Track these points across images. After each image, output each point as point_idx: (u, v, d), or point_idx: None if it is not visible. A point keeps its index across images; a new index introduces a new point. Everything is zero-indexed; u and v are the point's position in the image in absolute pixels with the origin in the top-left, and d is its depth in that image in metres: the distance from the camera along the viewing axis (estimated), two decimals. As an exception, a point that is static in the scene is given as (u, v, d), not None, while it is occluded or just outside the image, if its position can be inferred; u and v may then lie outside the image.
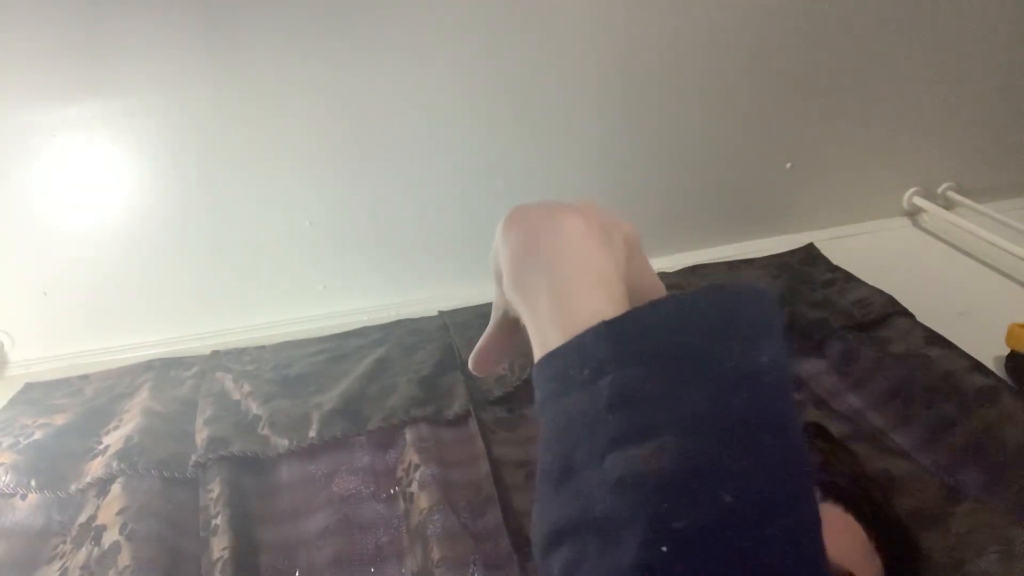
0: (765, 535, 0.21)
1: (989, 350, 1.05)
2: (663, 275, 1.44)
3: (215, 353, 1.20)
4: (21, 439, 1.01)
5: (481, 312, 1.24)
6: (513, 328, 0.37)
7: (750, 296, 0.27)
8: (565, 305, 0.29)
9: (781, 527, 0.22)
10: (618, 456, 0.23)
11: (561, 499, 0.25)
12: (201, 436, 0.98)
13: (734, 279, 1.31)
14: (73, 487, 0.94)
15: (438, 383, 1.09)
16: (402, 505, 0.92)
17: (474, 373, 0.42)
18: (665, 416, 0.24)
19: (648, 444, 0.23)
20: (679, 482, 0.22)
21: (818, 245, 1.39)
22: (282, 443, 0.98)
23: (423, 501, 0.88)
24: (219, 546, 0.84)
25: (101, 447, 0.99)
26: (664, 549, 0.21)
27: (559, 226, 0.31)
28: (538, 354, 0.30)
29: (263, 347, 1.22)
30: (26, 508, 0.93)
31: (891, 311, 1.14)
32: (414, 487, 0.91)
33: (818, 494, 0.45)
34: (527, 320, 0.31)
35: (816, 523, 0.22)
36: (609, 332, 0.26)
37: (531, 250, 0.31)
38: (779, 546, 0.21)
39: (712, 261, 1.37)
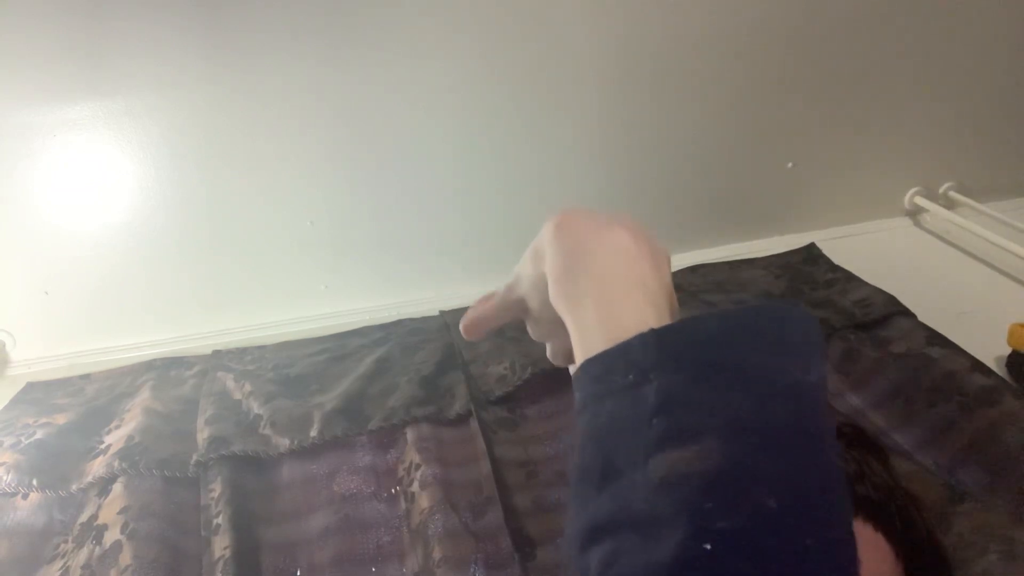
0: (805, 545, 0.22)
1: (990, 350, 1.05)
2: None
3: (216, 353, 1.20)
4: (23, 438, 1.01)
5: (482, 312, 1.24)
6: (515, 309, 0.39)
7: (797, 316, 0.28)
8: (611, 314, 0.30)
9: (821, 539, 0.22)
10: (661, 458, 0.24)
11: (601, 498, 0.25)
12: (202, 436, 0.98)
13: (736, 276, 1.31)
14: (74, 486, 0.94)
15: (439, 383, 1.09)
16: (403, 505, 0.92)
17: (464, 336, 0.43)
18: (709, 421, 0.24)
19: (692, 447, 0.24)
20: (723, 483, 0.23)
21: (819, 245, 1.39)
22: (283, 443, 0.98)
23: (424, 501, 0.88)
24: (220, 545, 0.84)
25: (102, 446, 1.00)
26: (707, 547, 0.21)
27: (610, 239, 0.33)
28: (580, 357, 0.30)
29: (264, 347, 1.22)
30: (28, 507, 0.93)
31: (892, 311, 1.14)
32: (415, 487, 0.91)
33: None
34: (571, 324, 0.32)
35: (853, 541, 0.23)
36: (657, 339, 0.27)
37: (581, 259, 0.33)
38: (817, 558, 0.22)
39: (713, 261, 1.37)
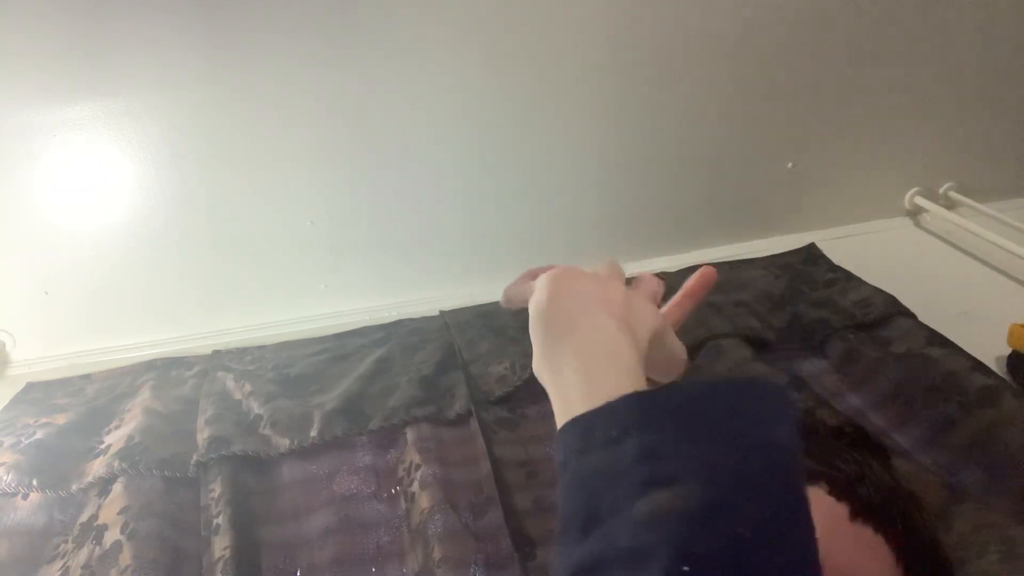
0: (778, 566, 0.24)
1: (990, 350, 1.05)
2: (664, 275, 1.44)
3: (216, 353, 1.20)
4: (23, 439, 1.02)
5: (482, 312, 1.24)
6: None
7: (769, 387, 0.30)
8: (592, 380, 0.33)
9: (789, 559, 0.25)
10: (645, 500, 0.26)
11: (587, 542, 0.27)
12: (202, 436, 0.98)
13: (736, 276, 1.31)
14: (75, 486, 0.94)
15: (439, 383, 1.09)
16: (403, 505, 0.92)
17: (503, 305, 0.45)
18: (689, 468, 0.27)
19: (674, 489, 0.26)
20: (701, 517, 0.25)
21: (819, 245, 1.39)
22: (283, 443, 0.98)
23: (424, 501, 0.88)
24: (220, 545, 0.84)
25: (103, 447, 1.00)
26: (685, 569, 0.23)
27: (594, 321, 0.36)
28: (561, 420, 0.33)
29: (264, 347, 1.22)
30: (28, 507, 0.93)
31: (892, 311, 1.14)
32: (415, 487, 0.91)
33: (847, 512, 0.44)
34: (552, 387, 0.35)
35: (817, 568, 0.25)
36: (640, 401, 0.30)
37: (565, 334, 0.36)
38: (790, 569, 0.24)
39: (713, 261, 1.37)
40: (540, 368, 0.36)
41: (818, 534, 0.34)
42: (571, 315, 0.36)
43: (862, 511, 0.44)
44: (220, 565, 0.81)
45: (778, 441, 0.28)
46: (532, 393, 1.06)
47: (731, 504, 0.26)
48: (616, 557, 0.26)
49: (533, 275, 0.43)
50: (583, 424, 0.31)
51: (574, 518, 0.28)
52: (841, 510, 0.44)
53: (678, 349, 0.39)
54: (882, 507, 0.45)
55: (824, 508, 0.44)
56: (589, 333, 0.35)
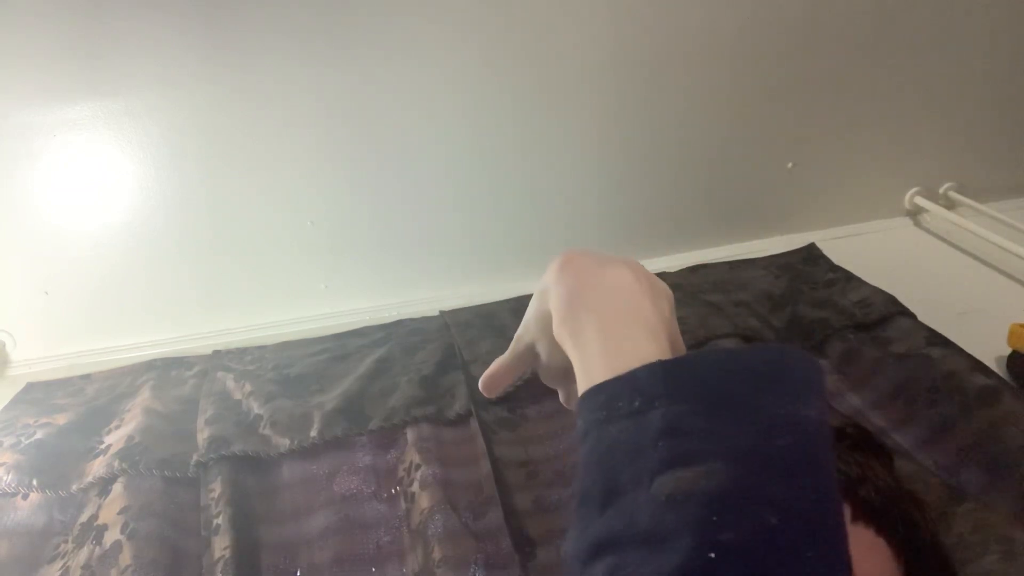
0: (804, 558, 0.23)
1: (990, 350, 1.05)
2: (664, 275, 1.44)
3: (216, 353, 1.20)
4: (23, 439, 1.01)
5: (482, 312, 1.24)
6: (527, 358, 0.42)
7: (799, 356, 0.29)
8: (614, 345, 0.32)
9: (820, 554, 0.23)
10: (667, 477, 0.25)
11: (605, 517, 0.26)
12: (202, 436, 0.98)
13: (736, 276, 1.31)
14: (75, 486, 0.94)
15: (439, 383, 1.09)
16: (403, 505, 0.92)
17: (483, 393, 0.45)
18: (715, 446, 0.26)
19: (697, 468, 0.25)
20: (727, 501, 0.24)
21: (819, 245, 1.39)
22: (283, 443, 0.98)
23: (424, 501, 0.88)
24: (220, 545, 0.84)
25: (102, 447, 1.00)
26: (712, 556, 0.22)
27: (612, 276, 0.35)
28: (583, 387, 0.31)
29: (264, 347, 1.22)
30: (28, 507, 0.93)
31: (892, 311, 1.14)
32: (415, 487, 0.91)
33: (848, 513, 0.44)
34: (574, 354, 0.34)
35: (848, 561, 0.24)
36: (663, 371, 0.28)
37: (585, 293, 0.34)
38: (816, 570, 0.23)
39: (713, 261, 1.37)
40: (560, 333, 0.35)
41: None
42: (587, 273, 0.35)
43: (863, 513, 0.44)
44: (220, 565, 0.81)
45: (807, 417, 0.27)
46: (532, 393, 1.06)
47: (757, 487, 0.24)
48: (636, 536, 0.25)
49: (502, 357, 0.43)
50: (606, 392, 0.30)
51: (593, 491, 0.27)
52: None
53: (681, 345, 0.38)
54: (883, 509, 0.45)
55: None
56: (607, 290, 0.34)
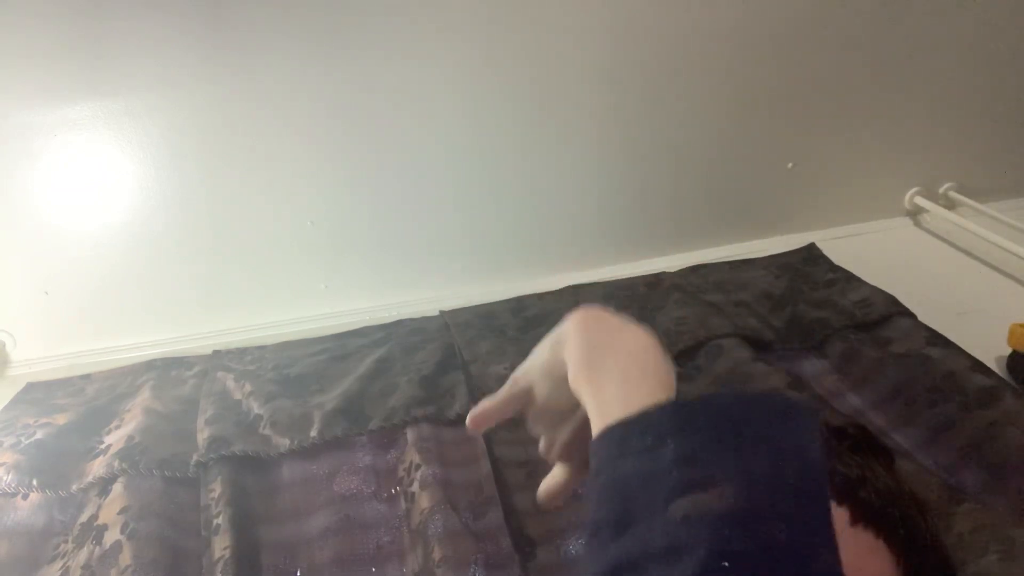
0: (810, 570, 0.25)
1: (990, 350, 1.05)
2: (664, 275, 1.42)
3: (216, 353, 1.20)
4: (23, 439, 1.01)
5: (481, 312, 1.24)
6: (519, 400, 0.44)
7: (801, 406, 0.32)
8: (630, 392, 0.34)
9: (824, 568, 0.26)
10: (682, 500, 0.27)
11: (619, 543, 0.28)
12: (202, 436, 0.98)
13: (736, 276, 1.31)
14: (75, 486, 0.94)
15: (439, 383, 1.09)
16: (403, 505, 0.92)
17: (469, 429, 0.46)
18: (726, 472, 0.28)
19: (711, 491, 0.27)
20: (739, 518, 0.26)
21: (820, 245, 1.39)
22: (283, 443, 0.98)
23: (424, 501, 0.88)
24: (220, 546, 0.84)
25: (102, 447, 1.00)
26: (725, 564, 0.24)
27: (633, 333, 0.38)
28: (598, 428, 0.34)
29: (264, 347, 1.22)
30: (28, 507, 0.93)
31: (892, 311, 1.14)
32: (415, 487, 0.91)
33: (847, 516, 0.44)
34: (591, 400, 0.36)
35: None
36: (674, 408, 0.31)
37: (604, 348, 0.37)
38: None
39: (713, 261, 1.37)
40: (578, 379, 0.37)
41: None
42: (608, 330, 0.38)
43: (863, 516, 0.44)
44: (220, 565, 0.81)
45: (809, 456, 0.29)
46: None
47: (767, 507, 0.26)
48: (652, 554, 0.26)
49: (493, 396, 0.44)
50: (619, 432, 0.31)
51: (607, 520, 0.29)
52: (841, 514, 0.44)
53: None
54: (883, 511, 0.45)
55: None
56: (627, 346, 0.37)
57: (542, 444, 0.46)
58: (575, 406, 0.39)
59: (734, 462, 0.28)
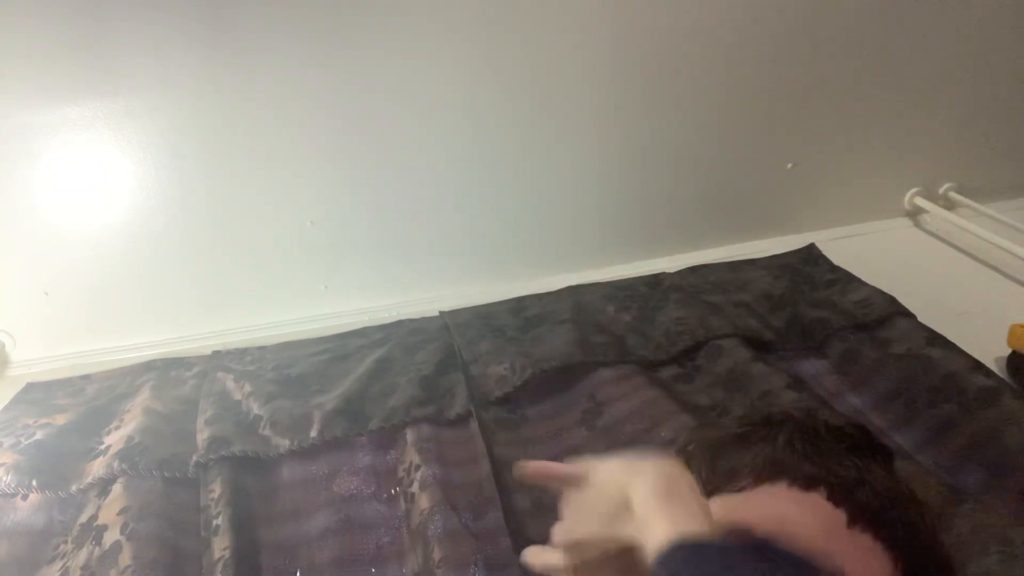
0: None
1: (990, 350, 1.05)
2: (664, 275, 1.42)
3: (216, 353, 1.20)
4: (23, 439, 1.01)
5: (481, 312, 1.24)
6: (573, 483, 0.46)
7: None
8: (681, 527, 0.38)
9: None
10: None
11: None
12: (202, 436, 0.98)
13: (736, 276, 1.31)
14: (74, 487, 0.94)
15: (439, 383, 1.09)
16: (403, 505, 0.92)
17: (516, 473, 0.50)
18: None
19: None
20: None
21: (819, 245, 1.39)
22: (283, 443, 0.98)
23: (424, 501, 0.88)
24: (220, 546, 0.84)
25: (102, 447, 1.00)
26: None
27: (687, 483, 0.42)
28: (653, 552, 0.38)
29: (264, 347, 1.22)
30: (27, 508, 0.93)
31: (892, 311, 1.14)
32: (415, 487, 0.91)
33: (845, 518, 0.44)
34: (648, 532, 0.40)
35: None
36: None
37: (672, 493, 0.41)
38: None
39: (713, 261, 1.37)
40: (644, 510, 0.40)
41: (816, 540, 0.37)
42: (672, 479, 0.42)
43: (860, 517, 0.44)
44: (220, 566, 0.81)
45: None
46: (532, 393, 1.06)
47: None
48: None
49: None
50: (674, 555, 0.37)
51: None
52: (839, 516, 0.44)
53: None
54: (881, 513, 0.45)
55: (822, 514, 0.44)
56: (683, 491, 0.41)
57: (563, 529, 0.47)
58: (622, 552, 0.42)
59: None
